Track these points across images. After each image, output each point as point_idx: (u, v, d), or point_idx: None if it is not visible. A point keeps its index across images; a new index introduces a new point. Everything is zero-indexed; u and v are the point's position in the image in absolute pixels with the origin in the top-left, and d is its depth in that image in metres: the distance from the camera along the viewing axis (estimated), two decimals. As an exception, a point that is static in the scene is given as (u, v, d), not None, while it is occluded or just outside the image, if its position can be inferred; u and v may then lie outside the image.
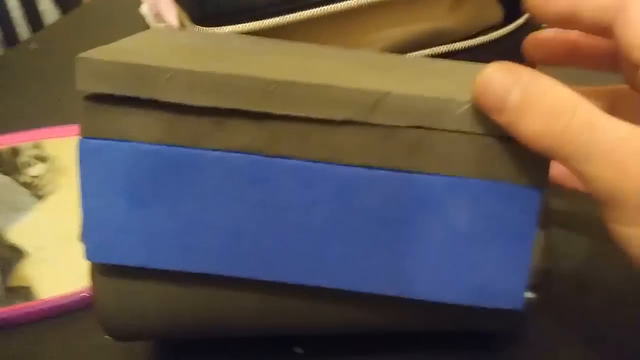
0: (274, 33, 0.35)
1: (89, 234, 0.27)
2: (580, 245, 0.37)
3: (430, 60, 0.35)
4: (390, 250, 0.26)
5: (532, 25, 0.42)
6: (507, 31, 0.39)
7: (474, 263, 0.26)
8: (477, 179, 0.26)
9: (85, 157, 0.26)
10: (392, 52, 0.40)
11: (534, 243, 0.26)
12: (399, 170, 0.26)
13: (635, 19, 0.26)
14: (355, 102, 0.25)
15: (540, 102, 0.24)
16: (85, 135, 0.26)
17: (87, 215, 0.27)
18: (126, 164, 0.26)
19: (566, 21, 0.30)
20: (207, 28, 0.36)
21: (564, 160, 0.24)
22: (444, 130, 0.25)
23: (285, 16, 0.35)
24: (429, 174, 0.26)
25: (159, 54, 0.28)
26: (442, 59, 0.35)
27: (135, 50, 0.28)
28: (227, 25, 0.35)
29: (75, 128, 0.52)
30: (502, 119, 0.24)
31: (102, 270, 0.28)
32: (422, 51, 0.39)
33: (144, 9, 0.68)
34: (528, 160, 0.25)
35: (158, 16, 0.65)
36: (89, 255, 0.27)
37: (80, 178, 0.27)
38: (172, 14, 0.62)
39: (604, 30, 0.28)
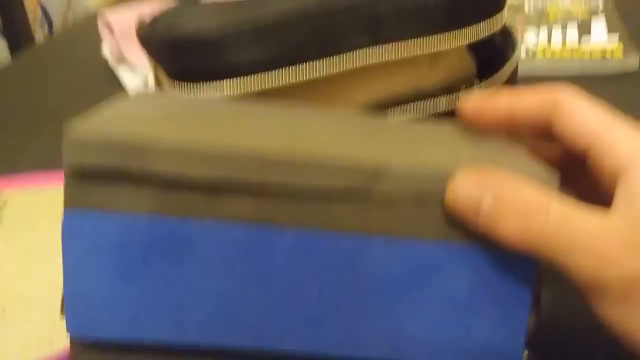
0: (255, 96, 0.35)
1: (72, 308, 0.26)
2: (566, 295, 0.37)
3: (415, 122, 0.35)
4: (389, 318, 0.26)
5: (510, 83, 0.43)
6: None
7: (472, 328, 0.26)
8: (477, 247, 0.26)
9: (70, 230, 0.25)
10: (376, 109, 0.40)
11: (530, 307, 0.26)
12: (398, 239, 0.26)
13: (570, 112, 0.28)
14: (356, 172, 0.25)
15: (513, 204, 0.24)
16: (70, 211, 0.25)
17: (71, 288, 0.25)
18: (114, 237, 0.25)
19: (504, 123, 0.30)
20: (186, 84, 0.35)
21: (546, 258, 0.24)
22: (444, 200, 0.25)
23: (269, 76, 0.34)
24: (429, 241, 0.26)
25: (147, 124, 0.27)
26: (426, 122, 0.35)
27: (123, 119, 0.27)
28: (207, 82, 0.34)
29: (35, 177, 0.50)
30: (478, 225, 0.25)
31: (83, 344, 0.27)
32: (406, 111, 0.39)
33: (105, 51, 0.67)
34: None
35: (121, 59, 0.64)
36: (72, 330, 0.26)
37: (64, 251, 0.25)
38: (143, 64, 0.61)
39: (544, 126, 0.29)
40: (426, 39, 0.37)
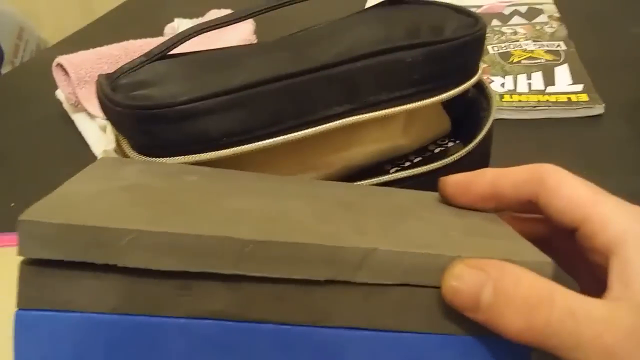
0: (227, 161, 0.33)
1: None
2: None
3: (394, 191, 0.34)
4: None
5: (486, 143, 0.42)
6: (464, 153, 0.39)
7: None
8: (467, 336, 0.24)
9: (23, 331, 0.22)
10: (352, 170, 0.38)
11: None
12: (385, 330, 0.24)
13: (556, 189, 0.27)
14: (340, 260, 0.23)
15: (514, 296, 0.23)
16: (23, 307, 0.22)
17: None
18: (74, 338, 0.23)
19: (489, 200, 0.30)
20: (152, 157, 0.32)
21: (550, 350, 0.23)
22: (433, 287, 0.24)
23: (241, 147, 0.32)
24: (417, 332, 0.24)
25: (112, 206, 0.24)
26: (405, 190, 0.33)
27: (84, 201, 0.24)
28: (176, 156, 0.32)
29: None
30: (478, 317, 0.24)
31: None
32: (385, 176, 0.37)
33: (60, 95, 0.64)
34: None
35: (77, 105, 0.61)
36: None
37: (16, 353, 0.23)
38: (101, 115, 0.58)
39: (528, 202, 0.29)
40: (403, 101, 0.36)
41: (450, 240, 0.26)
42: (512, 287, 0.23)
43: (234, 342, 0.23)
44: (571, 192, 0.27)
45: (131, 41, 0.67)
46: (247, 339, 0.23)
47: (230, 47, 0.41)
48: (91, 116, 0.60)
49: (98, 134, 0.58)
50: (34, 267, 0.23)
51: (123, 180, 0.28)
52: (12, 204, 0.52)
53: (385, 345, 0.24)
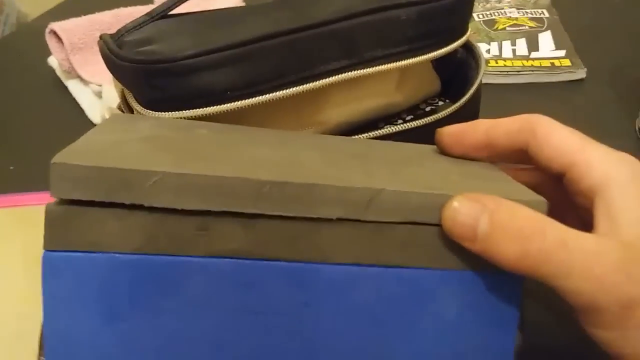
0: (230, 116, 0.34)
1: (52, 351, 0.24)
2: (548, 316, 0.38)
3: (395, 144, 0.35)
4: (382, 345, 0.26)
5: (474, 102, 0.43)
6: (454, 109, 0.41)
7: (462, 351, 0.27)
8: (465, 271, 0.26)
9: (51, 272, 0.24)
10: (348, 126, 0.40)
11: (517, 326, 0.27)
12: (390, 266, 0.26)
13: (546, 137, 0.29)
14: (350, 200, 0.25)
15: (509, 226, 0.24)
16: (51, 248, 0.24)
17: (53, 333, 0.24)
18: (99, 278, 0.24)
19: (482, 150, 0.31)
20: (159, 112, 0.34)
21: (542, 278, 0.24)
22: (436, 224, 0.25)
23: (244, 101, 0.34)
24: (420, 268, 0.26)
25: (135, 152, 0.26)
26: (405, 143, 0.35)
27: (109, 148, 0.26)
28: (182, 110, 0.33)
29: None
30: (475, 247, 0.25)
31: None
32: (378, 131, 0.39)
33: (53, 62, 0.65)
34: None
35: (71, 72, 0.61)
36: None
37: (44, 291, 0.24)
38: (95, 80, 0.59)
39: (520, 151, 0.30)
40: (397, 57, 0.37)
41: (451, 183, 0.27)
42: (508, 218, 0.25)
43: (249, 279, 0.25)
44: (560, 140, 0.29)
45: (122, 8, 0.67)
46: (262, 276, 0.25)
47: (233, 7, 0.43)
48: (84, 82, 0.60)
49: (92, 100, 0.59)
50: (61, 209, 0.24)
51: (139, 132, 0.29)
52: (11, 167, 0.52)
53: (391, 280, 0.26)
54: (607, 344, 0.25)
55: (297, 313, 0.25)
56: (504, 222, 0.25)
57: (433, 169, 0.30)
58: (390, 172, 0.28)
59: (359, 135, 0.39)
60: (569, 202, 0.29)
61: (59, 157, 0.23)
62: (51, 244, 0.24)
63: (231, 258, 0.25)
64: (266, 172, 0.25)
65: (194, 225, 0.24)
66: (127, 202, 0.23)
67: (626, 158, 0.27)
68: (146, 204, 0.23)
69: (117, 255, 0.24)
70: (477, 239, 0.25)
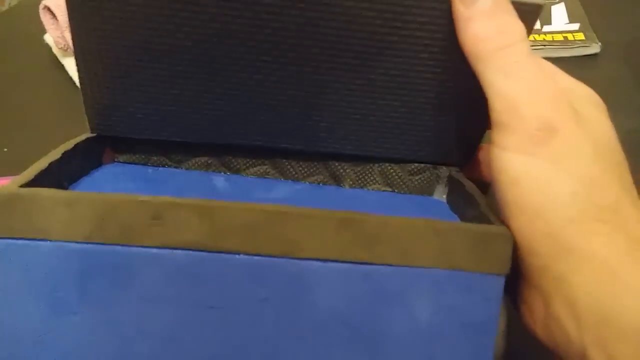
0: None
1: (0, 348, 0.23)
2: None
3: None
4: (349, 348, 0.24)
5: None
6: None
7: (437, 356, 0.25)
8: (438, 269, 0.24)
9: None
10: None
11: (497, 330, 0.25)
12: (356, 262, 0.24)
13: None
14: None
15: (498, 17, 0.26)
16: None
17: None
18: (47, 267, 0.23)
19: None
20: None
21: (481, 69, 0.26)
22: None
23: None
24: (388, 265, 0.24)
25: None
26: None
27: None
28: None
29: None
30: (460, 9, 0.27)
31: None
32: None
33: (49, 40, 0.63)
34: (490, 248, 0.24)
35: (67, 49, 0.60)
36: None
37: None
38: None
39: None
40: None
41: None
42: (502, 12, 0.26)
43: (206, 273, 0.23)
44: None
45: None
46: (219, 269, 0.24)
47: None
48: (81, 60, 0.59)
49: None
50: (6, 193, 0.23)
51: None
52: (5, 149, 0.51)
53: (357, 277, 0.24)
54: (503, 166, 0.25)
55: (255, 309, 0.24)
56: (498, 11, 0.26)
57: None
58: None
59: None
60: None
61: None
62: None
63: (187, 249, 0.23)
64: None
65: (148, 214, 0.23)
66: None
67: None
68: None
69: (66, 243, 0.23)
70: (471, 6, 0.26)
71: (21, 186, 0.24)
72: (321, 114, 0.31)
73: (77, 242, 0.23)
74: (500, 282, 0.24)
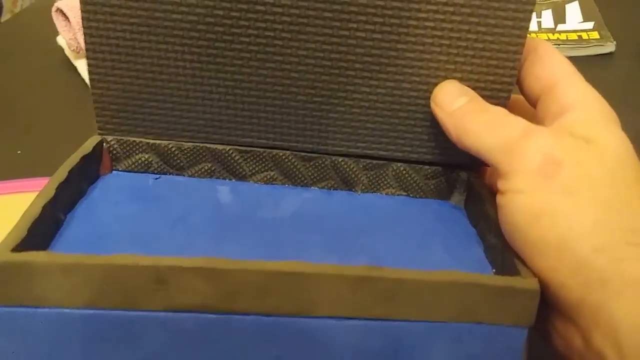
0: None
1: None
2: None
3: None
4: None
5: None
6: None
7: None
8: (457, 323, 0.23)
9: None
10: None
11: None
12: (373, 319, 0.23)
13: (542, 56, 0.30)
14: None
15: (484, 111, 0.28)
16: None
17: None
18: (48, 335, 0.22)
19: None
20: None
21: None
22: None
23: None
24: (406, 320, 0.23)
25: None
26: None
27: None
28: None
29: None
30: (443, 115, 0.29)
31: None
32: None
33: (61, 42, 0.63)
34: (515, 303, 0.23)
35: (79, 52, 0.60)
36: None
37: None
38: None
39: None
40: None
41: None
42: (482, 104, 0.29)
43: (215, 335, 0.23)
44: (553, 61, 0.30)
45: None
46: (229, 331, 0.23)
47: None
48: (94, 62, 0.59)
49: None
50: (2, 262, 0.22)
51: None
52: (19, 152, 0.51)
53: (374, 333, 0.23)
54: (508, 203, 0.25)
55: None
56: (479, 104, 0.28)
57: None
58: None
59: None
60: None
61: None
62: None
63: (193, 312, 0.22)
64: None
65: (151, 279, 0.22)
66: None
67: (602, 99, 0.28)
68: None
69: (66, 310, 0.22)
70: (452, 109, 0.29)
71: (17, 245, 0.22)
72: (335, 109, 0.31)
73: (77, 309, 0.22)
74: (524, 333, 0.24)
